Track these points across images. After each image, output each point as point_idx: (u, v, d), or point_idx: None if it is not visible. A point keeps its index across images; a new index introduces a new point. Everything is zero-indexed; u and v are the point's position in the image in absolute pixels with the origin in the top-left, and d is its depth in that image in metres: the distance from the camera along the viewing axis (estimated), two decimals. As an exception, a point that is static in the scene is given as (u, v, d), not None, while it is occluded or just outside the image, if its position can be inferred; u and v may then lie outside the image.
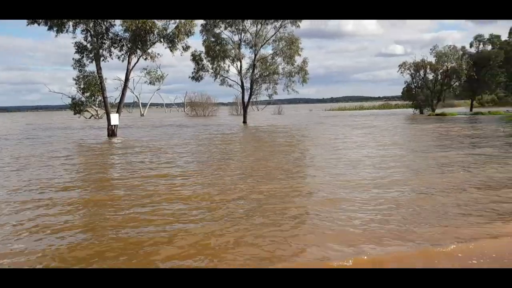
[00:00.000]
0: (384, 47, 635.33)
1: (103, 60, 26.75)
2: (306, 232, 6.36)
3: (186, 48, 28.26)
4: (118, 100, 28.98)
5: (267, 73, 40.70)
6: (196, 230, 6.44)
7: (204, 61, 40.43)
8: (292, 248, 5.64)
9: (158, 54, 27.56)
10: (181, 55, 28.85)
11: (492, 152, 14.81)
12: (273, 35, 39.85)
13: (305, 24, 49.38)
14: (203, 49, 39.75)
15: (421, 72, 54.50)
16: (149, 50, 27.06)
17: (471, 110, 55.78)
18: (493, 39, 58.55)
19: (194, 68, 40.67)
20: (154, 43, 27.07)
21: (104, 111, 29.07)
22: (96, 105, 35.43)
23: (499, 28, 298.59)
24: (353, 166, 12.43)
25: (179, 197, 8.77)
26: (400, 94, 60.29)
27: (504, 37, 58.19)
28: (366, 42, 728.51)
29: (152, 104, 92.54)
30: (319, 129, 30.69)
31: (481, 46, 58.70)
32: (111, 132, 26.84)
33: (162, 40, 27.07)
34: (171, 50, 27.39)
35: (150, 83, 29.04)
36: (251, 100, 43.70)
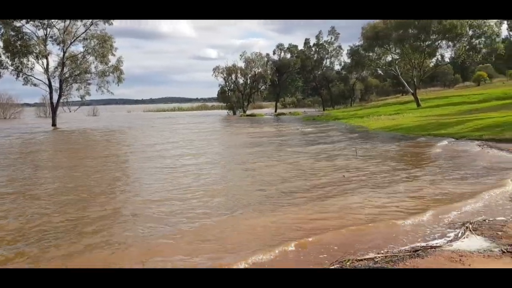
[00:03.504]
0: (199, 50, 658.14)
1: None
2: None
3: (-23, 41, 24.82)
4: None
5: (78, 72, 38.41)
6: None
7: (3, 57, 36.34)
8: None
9: None
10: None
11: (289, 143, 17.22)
12: (83, 32, 37.78)
13: (118, 22, 47.52)
14: (1, 43, 35.59)
15: (233, 76, 58.93)
16: None
17: (275, 111, 62.28)
18: (292, 48, 66.76)
19: (-10, 64, 36.12)
20: None
21: None
22: None
23: (298, 38, 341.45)
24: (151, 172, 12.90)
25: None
26: (216, 96, 63.92)
27: (301, 46, 66.95)
28: (183, 45, 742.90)
29: None
30: (139, 134, 30.38)
31: (282, 54, 66.25)
32: None
33: None
34: (-44, 43, 23.70)
35: None
36: (61, 100, 40.43)
